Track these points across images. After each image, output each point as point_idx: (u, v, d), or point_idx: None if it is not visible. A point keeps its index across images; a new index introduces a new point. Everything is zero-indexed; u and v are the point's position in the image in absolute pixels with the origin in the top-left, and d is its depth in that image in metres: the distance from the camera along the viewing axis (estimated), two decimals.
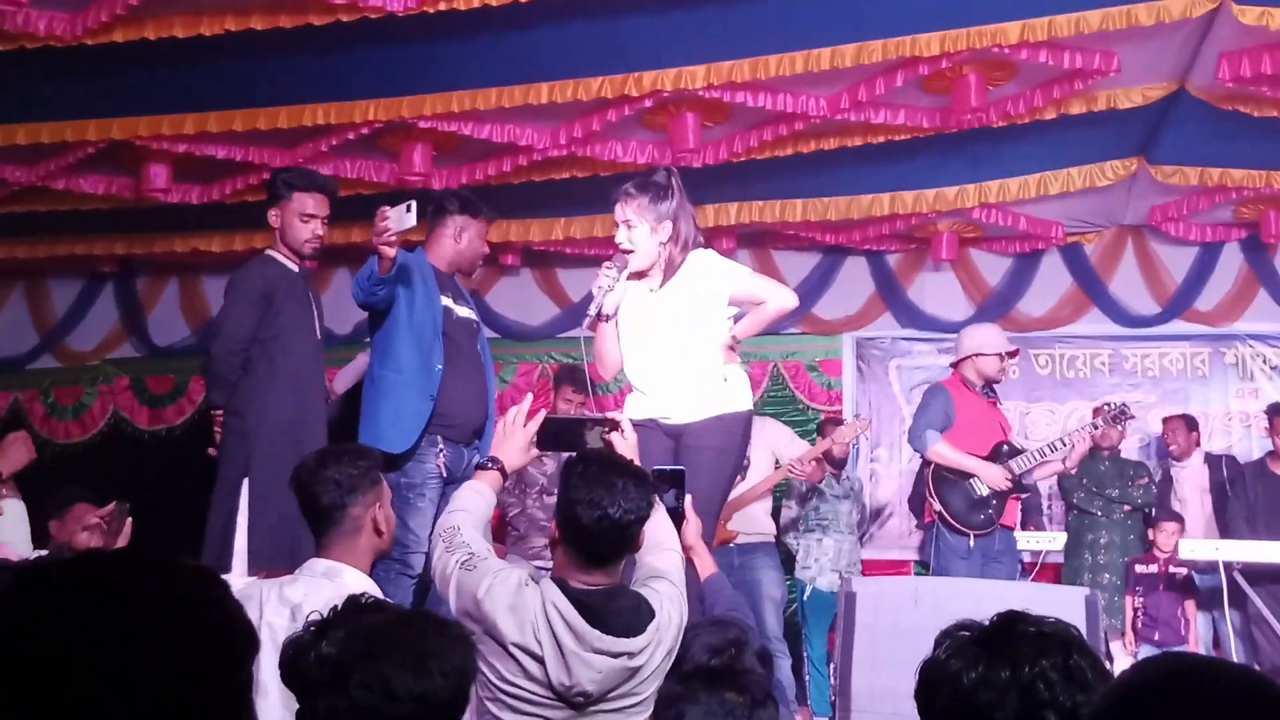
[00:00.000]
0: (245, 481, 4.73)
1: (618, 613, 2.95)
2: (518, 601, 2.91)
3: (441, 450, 4.99)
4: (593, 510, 2.97)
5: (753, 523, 7.35)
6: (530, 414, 3.59)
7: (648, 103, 6.73)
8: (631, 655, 2.92)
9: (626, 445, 3.62)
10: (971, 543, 6.45)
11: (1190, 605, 7.66)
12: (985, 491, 6.48)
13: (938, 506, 6.52)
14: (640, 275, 4.52)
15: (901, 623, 4.91)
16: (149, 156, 7.49)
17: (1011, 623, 1.92)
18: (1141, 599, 7.75)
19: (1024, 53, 6.21)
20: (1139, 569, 7.81)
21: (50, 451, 10.39)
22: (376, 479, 3.37)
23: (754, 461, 7.35)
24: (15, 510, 5.61)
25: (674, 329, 4.42)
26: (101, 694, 1.26)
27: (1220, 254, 9.36)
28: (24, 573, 1.36)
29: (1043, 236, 9.14)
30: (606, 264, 4.50)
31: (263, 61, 6.34)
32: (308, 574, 3.21)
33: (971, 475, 6.51)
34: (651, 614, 3.00)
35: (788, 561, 8.27)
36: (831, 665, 6.04)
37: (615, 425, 3.67)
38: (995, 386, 6.92)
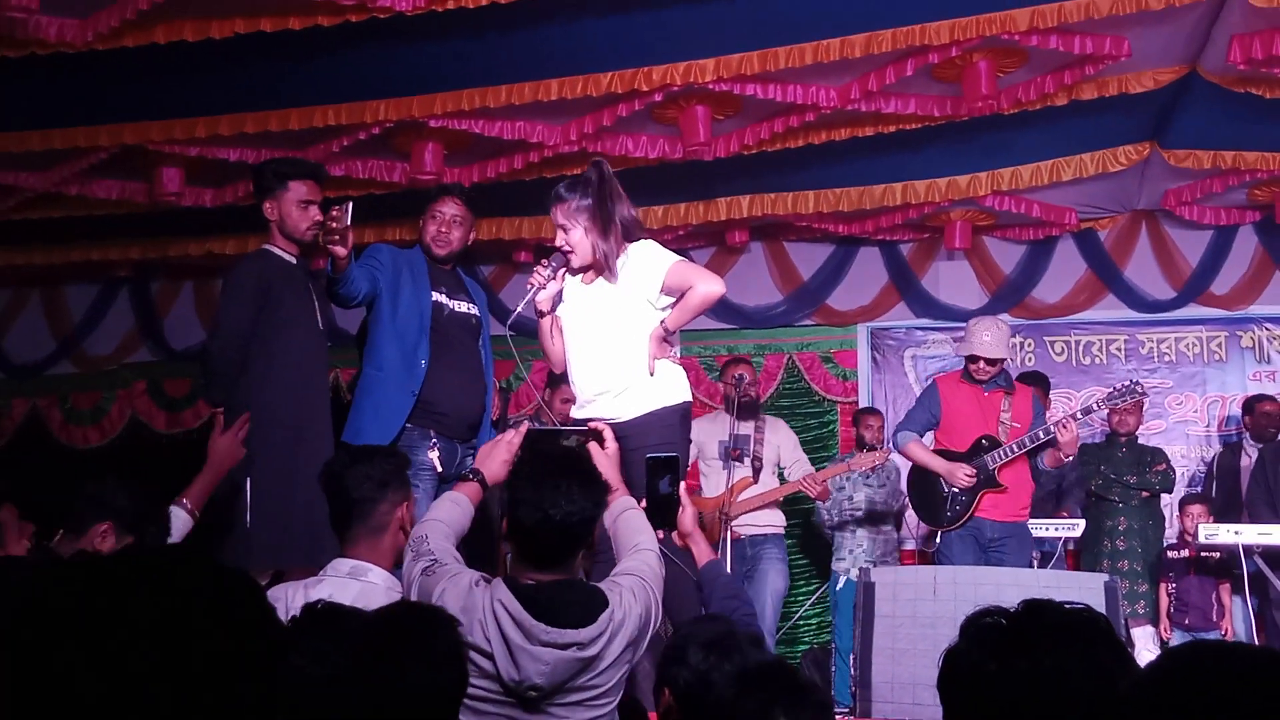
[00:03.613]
0: (248, 480, 4.69)
1: (568, 605, 2.92)
2: (468, 603, 2.90)
3: (435, 443, 4.97)
4: (534, 512, 2.96)
5: (764, 515, 7.37)
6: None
7: (658, 97, 6.73)
8: (582, 646, 2.89)
9: (604, 454, 3.62)
10: (939, 538, 6.71)
11: (1225, 590, 7.61)
12: (955, 488, 6.58)
13: (912, 504, 6.83)
14: (583, 273, 4.47)
15: (921, 612, 4.91)
16: (162, 161, 7.53)
17: (1034, 612, 1.90)
18: (1174, 584, 7.73)
19: (1034, 39, 6.18)
20: (1170, 554, 7.79)
21: (69, 457, 10.47)
22: (406, 480, 3.43)
23: (765, 460, 7.39)
24: None
25: (609, 323, 4.37)
26: (143, 684, 1.27)
27: (1235, 237, 9.31)
28: (68, 566, 1.38)
29: (1056, 223, 9.11)
30: (544, 261, 4.47)
31: (273, 64, 6.36)
32: (333, 574, 3.21)
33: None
34: (605, 604, 2.97)
35: (825, 551, 8.32)
36: (852, 655, 6.05)
37: (596, 434, 3.66)
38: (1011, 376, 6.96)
